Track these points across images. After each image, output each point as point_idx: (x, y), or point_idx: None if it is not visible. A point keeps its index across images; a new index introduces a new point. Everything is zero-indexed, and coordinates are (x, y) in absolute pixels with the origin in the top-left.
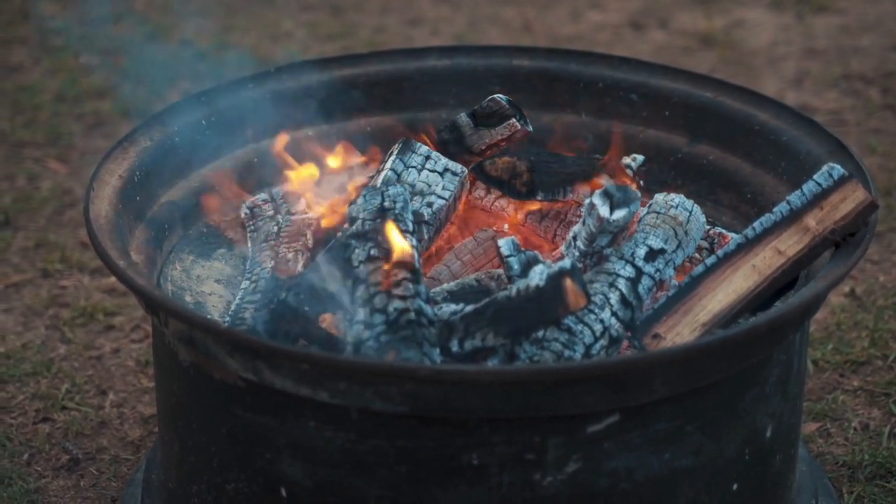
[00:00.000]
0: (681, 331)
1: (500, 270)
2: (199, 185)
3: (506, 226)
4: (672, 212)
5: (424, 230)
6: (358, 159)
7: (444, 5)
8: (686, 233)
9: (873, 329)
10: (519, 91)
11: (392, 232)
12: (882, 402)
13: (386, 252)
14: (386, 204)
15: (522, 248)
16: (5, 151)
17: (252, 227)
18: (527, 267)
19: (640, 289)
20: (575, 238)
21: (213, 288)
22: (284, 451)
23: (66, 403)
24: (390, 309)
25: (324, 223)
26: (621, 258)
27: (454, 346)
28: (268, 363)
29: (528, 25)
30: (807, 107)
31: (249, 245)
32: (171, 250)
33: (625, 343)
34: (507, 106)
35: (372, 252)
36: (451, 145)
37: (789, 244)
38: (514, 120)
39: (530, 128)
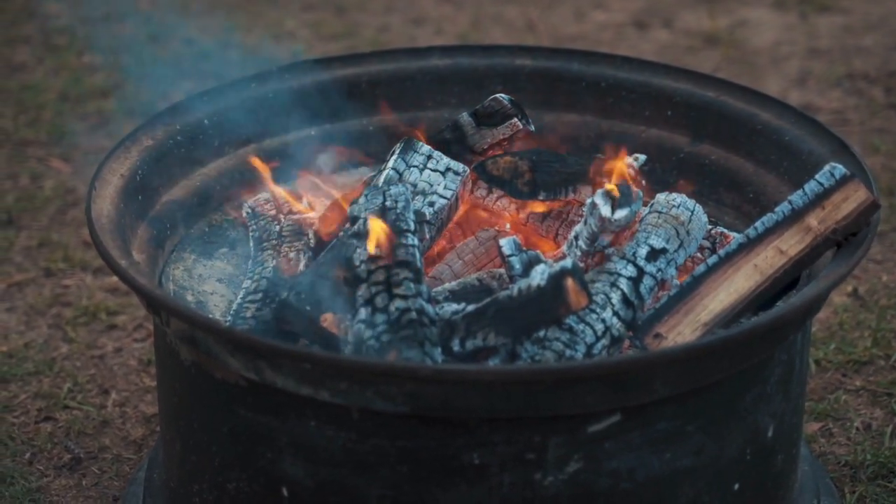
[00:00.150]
0: (682, 330)
1: (502, 270)
2: (202, 184)
3: (507, 225)
4: (674, 211)
5: (426, 230)
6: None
7: (447, 5)
8: (688, 232)
9: (876, 329)
10: (521, 90)
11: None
12: (884, 402)
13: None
14: (387, 203)
15: (524, 248)
16: (9, 150)
17: (254, 227)
18: (528, 266)
19: (642, 288)
20: (577, 237)
21: (215, 287)
22: (286, 451)
23: (69, 402)
24: (392, 308)
25: (324, 225)
26: (623, 258)
27: (455, 346)
28: (269, 363)
29: (531, 25)
30: (810, 106)
31: (251, 245)
32: (173, 249)
33: (626, 343)
34: (509, 105)
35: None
36: (453, 145)
37: (791, 244)
38: (516, 119)
39: (532, 127)
